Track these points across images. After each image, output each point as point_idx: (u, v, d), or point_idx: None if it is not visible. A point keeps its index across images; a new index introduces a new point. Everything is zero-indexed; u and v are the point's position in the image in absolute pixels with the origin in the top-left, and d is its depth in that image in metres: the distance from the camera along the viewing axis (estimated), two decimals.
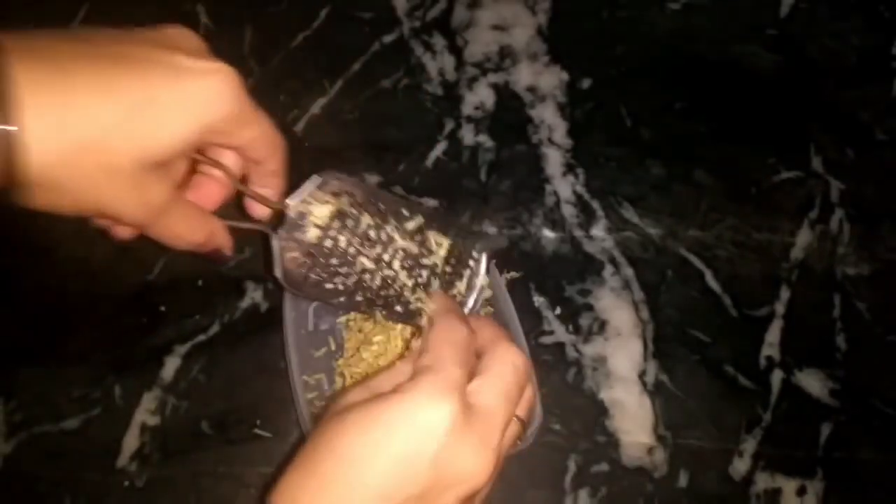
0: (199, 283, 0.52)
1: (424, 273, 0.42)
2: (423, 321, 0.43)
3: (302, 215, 0.37)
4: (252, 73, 0.61)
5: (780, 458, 0.48)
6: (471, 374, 0.31)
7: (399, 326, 0.48)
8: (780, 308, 0.53)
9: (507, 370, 0.31)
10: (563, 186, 0.57)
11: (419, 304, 0.43)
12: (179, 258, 0.52)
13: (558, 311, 0.52)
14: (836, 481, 0.47)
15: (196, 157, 0.31)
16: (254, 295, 0.52)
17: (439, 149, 0.58)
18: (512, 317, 0.47)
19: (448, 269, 0.43)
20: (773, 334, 0.52)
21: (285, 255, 0.36)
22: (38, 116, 0.23)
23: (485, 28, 0.64)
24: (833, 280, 0.54)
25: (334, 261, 0.39)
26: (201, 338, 0.50)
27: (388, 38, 0.63)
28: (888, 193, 0.57)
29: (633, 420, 0.49)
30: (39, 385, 0.49)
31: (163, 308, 0.51)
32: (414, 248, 0.41)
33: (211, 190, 0.33)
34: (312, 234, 0.37)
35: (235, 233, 0.35)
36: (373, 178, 0.57)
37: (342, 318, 0.50)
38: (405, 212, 0.41)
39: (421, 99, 0.60)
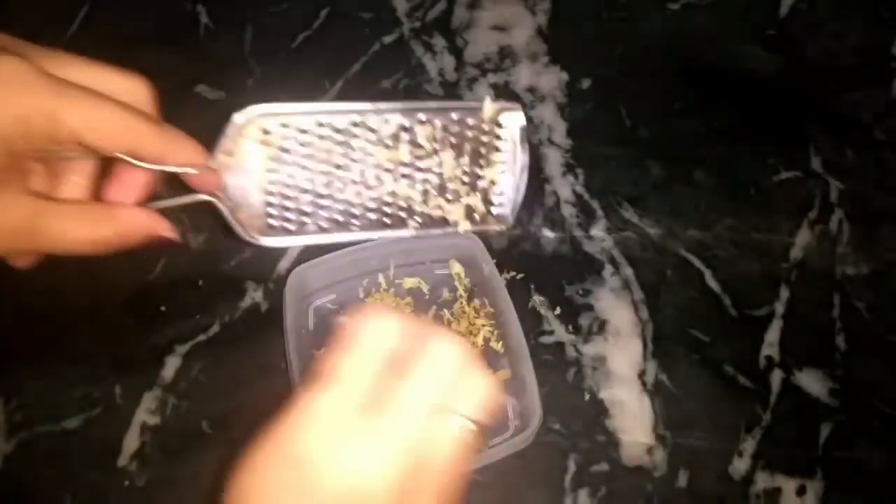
0: (200, 283, 0.52)
1: (433, 174, 0.36)
2: (461, 228, 0.38)
3: (240, 165, 0.32)
4: (252, 74, 0.61)
5: (780, 458, 0.48)
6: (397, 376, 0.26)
7: None
8: (779, 308, 0.53)
9: (427, 365, 0.26)
10: (563, 186, 0.57)
11: (439, 212, 0.37)
12: (180, 258, 0.53)
13: (558, 310, 0.52)
14: (835, 481, 0.47)
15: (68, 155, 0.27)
16: (254, 295, 0.52)
17: None
18: (512, 317, 0.47)
19: (465, 160, 0.36)
20: (773, 334, 0.52)
21: (240, 215, 0.32)
22: None
23: (485, 28, 0.64)
24: (833, 280, 0.54)
25: (306, 198, 0.34)
26: (202, 338, 0.51)
27: (388, 39, 0.63)
28: (887, 193, 0.57)
29: (633, 420, 0.49)
30: (40, 385, 0.49)
31: (163, 308, 0.51)
32: (403, 155, 0.35)
33: (132, 178, 0.30)
34: (261, 179, 0.32)
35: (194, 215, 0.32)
36: None
37: (343, 318, 0.50)
38: (375, 118, 0.34)
39: (421, 99, 0.60)
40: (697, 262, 0.54)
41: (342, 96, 0.60)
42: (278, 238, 0.34)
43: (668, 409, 0.49)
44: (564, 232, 0.55)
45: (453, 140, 0.36)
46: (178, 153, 0.29)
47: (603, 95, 0.61)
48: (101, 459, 0.47)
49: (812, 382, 0.51)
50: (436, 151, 0.36)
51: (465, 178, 0.37)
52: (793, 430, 0.49)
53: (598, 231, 0.55)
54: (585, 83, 0.61)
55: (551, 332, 0.52)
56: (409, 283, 0.51)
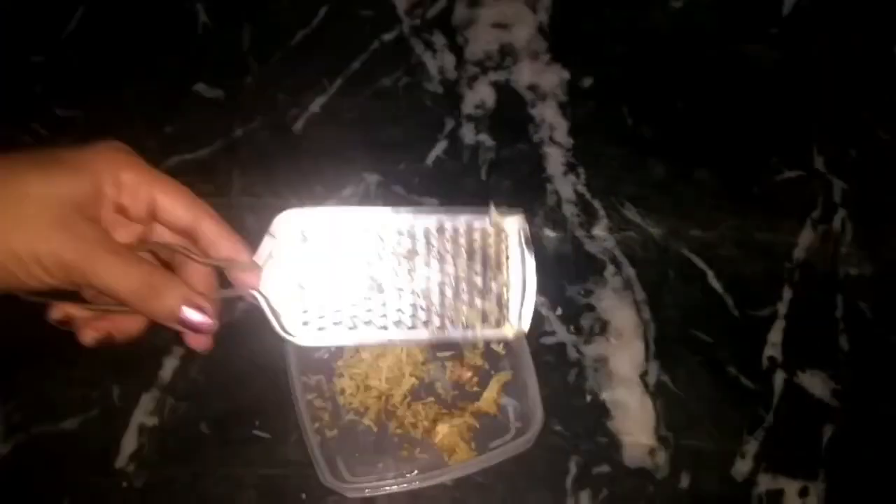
0: None
1: (449, 278, 0.36)
2: (478, 332, 0.37)
3: (281, 264, 0.34)
4: (251, 72, 0.60)
5: (783, 459, 0.48)
6: None
7: None
8: (782, 308, 0.52)
9: None
10: (565, 186, 0.57)
11: (456, 316, 0.37)
12: None
13: (560, 311, 0.52)
14: (838, 482, 0.47)
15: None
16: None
17: (440, 148, 0.58)
18: None
19: (476, 264, 0.37)
20: (776, 335, 0.52)
21: (278, 310, 0.34)
22: None
23: (485, 26, 0.63)
24: (835, 280, 0.54)
25: (339, 298, 0.35)
26: None
27: (388, 37, 0.63)
28: (890, 193, 0.57)
29: (635, 421, 0.49)
30: (38, 386, 0.49)
31: None
32: (424, 259, 0.36)
33: (193, 272, 0.33)
34: (299, 278, 0.34)
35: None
36: (373, 177, 0.56)
37: None
38: (402, 223, 0.36)
39: (421, 97, 0.60)
40: (700, 263, 0.54)
41: (343, 94, 0.60)
42: (313, 336, 0.35)
43: (671, 410, 0.49)
44: (566, 232, 0.55)
45: (464, 244, 0.37)
46: (222, 249, 0.32)
47: (605, 94, 0.60)
48: (99, 461, 0.47)
49: (815, 383, 0.50)
50: (451, 255, 0.37)
51: (479, 282, 0.37)
52: (795, 431, 0.49)
53: (599, 231, 0.55)
54: (587, 82, 0.61)
55: (553, 333, 0.51)
56: None
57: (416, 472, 0.45)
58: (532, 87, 0.61)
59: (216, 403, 0.48)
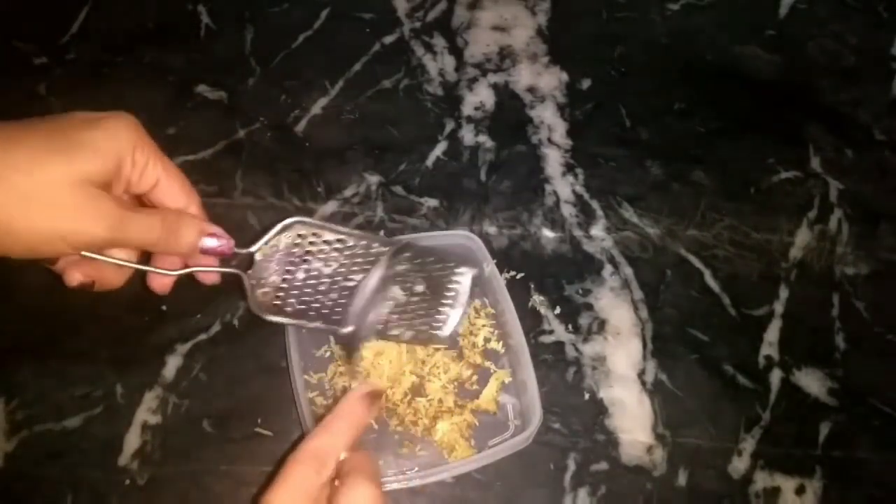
0: None
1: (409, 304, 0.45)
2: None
3: (269, 258, 0.40)
4: (253, 74, 0.61)
5: (779, 457, 0.48)
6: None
7: None
8: (778, 307, 0.53)
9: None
10: (563, 186, 0.57)
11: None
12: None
13: (558, 310, 0.52)
14: (834, 480, 0.48)
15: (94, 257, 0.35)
16: None
17: (439, 149, 0.58)
18: (512, 316, 0.47)
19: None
20: (772, 333, 0.52)
21: (256, 292, 0.40)
22: None
23: (485, 29, 0.64)
24: (832, 279, 0.54)
25: (309, 292, 0.42)
26: (203, 337, 0.51)
27: (388, 39, 0.63)
28: (887, 193, 0.58)
29: (633, 419, 0.49)
30: (41, 383, 0.49)
31: (164, 307, 0.51)
32: (397, 294, 0.44)
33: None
34: (282, 269, 0.40)
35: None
36: (373, 178, 0.57)
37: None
38: (379, 249, 0.44)
39: (421, 99, 0.60)
40: (697, 262, 0.54)
41: (343, 96, 0.60)
42: (278, 317, 0.41)
43: (668, 408, 0.49)
44: (564, 232, 0.55)
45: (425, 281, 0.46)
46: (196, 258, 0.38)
47: (603, 95, 0.61)
48: (102, 458, 0.47)
49: (811, 382, 0.51)
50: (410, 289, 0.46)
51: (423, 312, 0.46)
52: (792, 430, 0.49)
53: (597, 231, 0.55)
54: (585, 83, 0.62)
55: (551, 332, 0.52)
56: None
57: (416, 469, 0.46)
58: (531, 89, 0.61)
59: (218, 401, 0.49)
